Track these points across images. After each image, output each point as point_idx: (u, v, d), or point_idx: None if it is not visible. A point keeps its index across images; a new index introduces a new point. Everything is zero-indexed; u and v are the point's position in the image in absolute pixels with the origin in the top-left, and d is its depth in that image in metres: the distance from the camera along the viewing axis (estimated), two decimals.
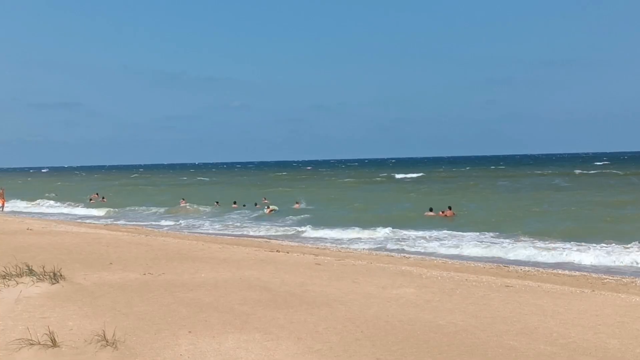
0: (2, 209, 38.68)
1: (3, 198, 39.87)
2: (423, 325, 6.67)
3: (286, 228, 27.15)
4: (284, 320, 6.83)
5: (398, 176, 79.75)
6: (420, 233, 23.41)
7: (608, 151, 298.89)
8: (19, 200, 47.44)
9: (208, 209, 37.47)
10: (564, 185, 52.36)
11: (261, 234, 25.42)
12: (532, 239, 21.17)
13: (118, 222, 31.08)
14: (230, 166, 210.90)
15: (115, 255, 11.83)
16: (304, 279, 9.69)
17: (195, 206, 38.60)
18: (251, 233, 25.72)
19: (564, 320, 7.09)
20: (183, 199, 42.60)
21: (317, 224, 27.48)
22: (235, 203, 39.10)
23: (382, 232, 23.85)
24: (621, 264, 16.15)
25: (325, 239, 23.46)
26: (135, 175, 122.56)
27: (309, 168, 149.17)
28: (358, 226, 25.75)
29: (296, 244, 21.35)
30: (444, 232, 23.42)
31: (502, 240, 21.16)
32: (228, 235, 24.93)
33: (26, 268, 8.71)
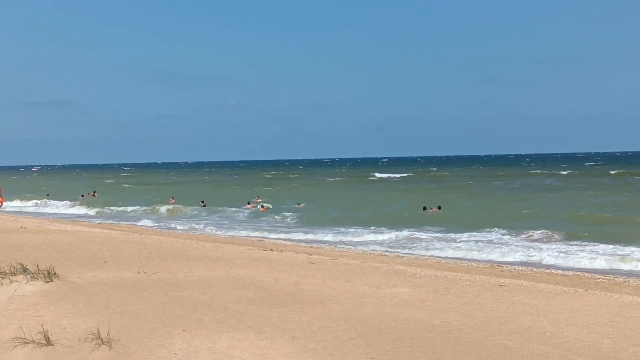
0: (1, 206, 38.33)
1: (1, 197, 39.53)
2: (417, 325, 6.69)
3: (279, 227, 27.16)
4: (278, 319, 6.83)
5: (380, 175, 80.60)
6: (413, 232, 23.47)
7: (601, 151, 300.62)
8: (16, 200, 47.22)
9: (195, 208, 37.39)
10: (557, 185, 52.63)
11: (255, 232, 25.40)
12: (525, 238, 21.27)
13: (107, 221, 30.98)
14: (223, 165, 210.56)
15: (109, 254, 11.80)
16: (297, 277, 9.68)
17: (182, 206, 38.46)
18: (244, 232, 25.70)
19: (557, 319, 7.12)
20: (172, 198, 42.58)
21: (310, 223, 27.53)
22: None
23: (375, 231, 23.89)
24: (615, 264, 16.23)
25: (317, 239, 23.49)
26: (125, 174, 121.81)
27: (300, 167, 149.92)
28: (351, 225, 25.79)
29: (290, 242, 21.36)
30: (438, 232, 23.50)
31: (495, 239, 21.24)
32: (221, 234, 24.90)
33: (20, 266, 8.67)
